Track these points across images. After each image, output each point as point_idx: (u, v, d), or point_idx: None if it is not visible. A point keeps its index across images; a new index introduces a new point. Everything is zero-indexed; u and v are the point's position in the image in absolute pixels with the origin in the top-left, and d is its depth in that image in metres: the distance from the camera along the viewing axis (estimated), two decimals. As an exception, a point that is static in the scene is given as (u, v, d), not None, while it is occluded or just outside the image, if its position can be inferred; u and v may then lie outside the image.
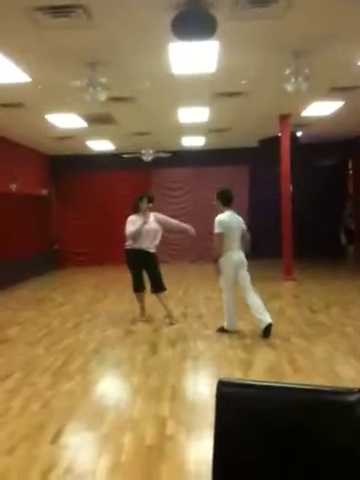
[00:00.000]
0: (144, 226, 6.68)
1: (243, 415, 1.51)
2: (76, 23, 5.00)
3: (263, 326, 5.92)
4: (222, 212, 6.15)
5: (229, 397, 1.52)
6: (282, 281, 10.19)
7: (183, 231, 7.15)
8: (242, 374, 4.72)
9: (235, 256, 6.08)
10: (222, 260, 6.05)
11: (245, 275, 6.15)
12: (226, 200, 6.18)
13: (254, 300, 6.04)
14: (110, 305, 8.50)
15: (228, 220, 6.06)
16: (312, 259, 13.02)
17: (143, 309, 7.17)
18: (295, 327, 6.44)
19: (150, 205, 6.87)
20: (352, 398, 1.44)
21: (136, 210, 6.85)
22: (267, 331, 5.91)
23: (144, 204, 6.82)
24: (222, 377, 1.58)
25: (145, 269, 6.93)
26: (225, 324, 6.25)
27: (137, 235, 6.69)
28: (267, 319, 5.93)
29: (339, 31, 5.56)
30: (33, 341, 6.23)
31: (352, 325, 6.42)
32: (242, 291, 6.14)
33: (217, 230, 6.00)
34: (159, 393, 4.30)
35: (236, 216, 6.22)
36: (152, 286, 6.89)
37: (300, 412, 1.48)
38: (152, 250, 6.85)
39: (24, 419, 3.86)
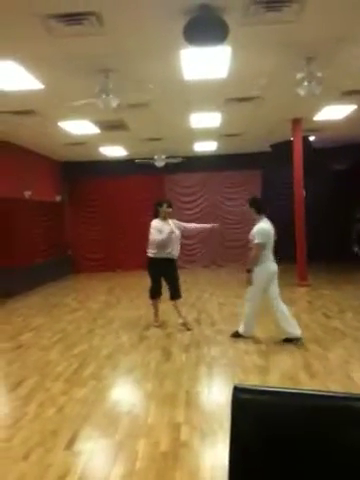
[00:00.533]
0: (172, 234, 6.62)
1: (259, 421, 1.49)
2: (88, 30, 5.03)
3: (290, 336, 5.84)
4: (258, 220, 5.93)
5: (245, 403, 1.50)
6: (296, 286, 10.12)
7: (205, 230, 7.17)
8: (257, 380, 4.69)
9: (272, 266, 5.91)
10: (258, 269, 5.86)
11: (276, 285, 5.97)
12: (259, 207, 5.97)
13: (285, 310, 5.88)
14: (123, 311, 8.50)
15: (268, 229, 5.88)
16: (325, 264, 12.93)
17: (157, 315, 7.16)
18: (310, 333, 6.37)
19: (170, 210, 6.82)
20: (371, 405, 1.41)
21: (156, 215, 6.80)
22: (290, 340, 5.84)
23: (163, 209, 6.76)
24: (237, 383, 1.57)
25: (165, 276, 6.87)
26: (241, 329, 6.16)
27: (167, 243, 6.63)
28: (297, 333, 5.83)
29: (352, 34, 5.53)
30: (47, 347, 6.25)
31: (367, 330, 6.36)
32: (271, 300, 5.94)
33: (258, 240, 5.77)
34: (173, 399, 4.29)
35: (270, 224, 6.01)
36: (171, 293, 6.82)
37: (315, 418, 1.46)
38: (176, 257, 6.83)
39: (38, 425, 3.87)
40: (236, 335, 6.20)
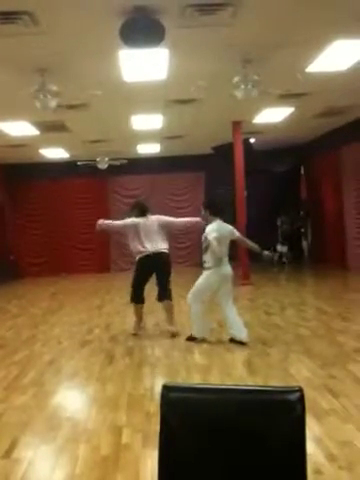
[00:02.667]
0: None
1: (187, 419, 1.51)
2: (23, 30, 4.93)
3: (235, 338, 5.81)
4: (210, 222, 5.82)
5: (173, 401, 1.52)
6: (239, 286, 10.26)
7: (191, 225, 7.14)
8: (200, 379, 4.72)
9: (225, 268, 5.80)
10: (212, 271, 5.76)
11: (230, 288, 5.94)
12: (215, 208, 5.89)
13: (234, 314, 5.89)
14: (67, 316, 8.36)
15: (218, 229, 5.73)
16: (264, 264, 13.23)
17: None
18: (251, 330, 6.45)
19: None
20: (293, 397, 1.46)
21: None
22: (235, 341, 5.82)
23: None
24: (166, 381, 1.58)
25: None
26: (194, 332, 6.01)
27: None
28: (243, 337, 5.76)
29: (287, 37, 5.67)
30: (-15, 355, 6.06)
31: (306, 326, 6.55)
32: (222, 303, 5.93)
33: (215, 234, 5.59)
34: (115, 402, 4.25)
35: (226, 225, 5.90)
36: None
37: (243, 413, 1.49)
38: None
39: (-25, 435, 3.74)
40: (192, 339, 5.99)
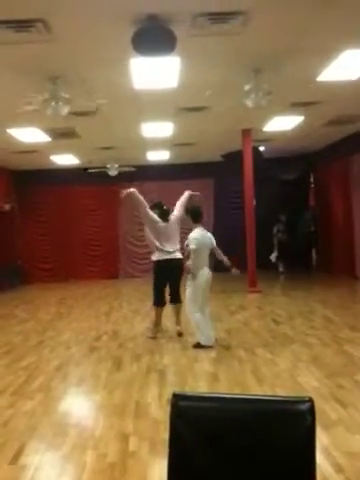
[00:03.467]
0: None
1: (197, 427, 1.51)
2: (36, 37, 4.98)
3: (196, 341, 6.14)
4: (193, 228, 6.23)
5: (183, 410, 1.52)
6: (247, 293, 10.26)
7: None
8: (208, 387, 4.72)
9: (207, 274, 6.13)
10: (197, 275, 6.09)
11: (208, 293, 6.28)
12: (196, 216, 6.29)
13: (206, 319, 6.19)
14: (75, 321, 8.38)
15: (198, 237, 6.11)
16: (275, 271, 13.21)
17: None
18: (259, 338, 6.48)
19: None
20: (303, 407, 1.45)
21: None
22: (197, 346, 6.10)
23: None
24: (176, 390, 1.58)
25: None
26: (202, 339, 6.12)
27: None
28: (202, 340, 6.08)
29: (297, 46, 5.68)
30: (-7, 359, 6.08)
31: (314, 335, 6.51)
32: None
33: (193, 246, 6.00)
34: (123, 409, 4.25)
35: (206, 233, 6.29)
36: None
37: (253, 422, 1.49)
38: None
39: (-18, 440, 3.75)
40: (199, 346, 6.12)
